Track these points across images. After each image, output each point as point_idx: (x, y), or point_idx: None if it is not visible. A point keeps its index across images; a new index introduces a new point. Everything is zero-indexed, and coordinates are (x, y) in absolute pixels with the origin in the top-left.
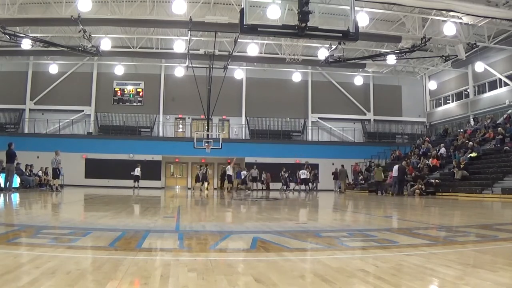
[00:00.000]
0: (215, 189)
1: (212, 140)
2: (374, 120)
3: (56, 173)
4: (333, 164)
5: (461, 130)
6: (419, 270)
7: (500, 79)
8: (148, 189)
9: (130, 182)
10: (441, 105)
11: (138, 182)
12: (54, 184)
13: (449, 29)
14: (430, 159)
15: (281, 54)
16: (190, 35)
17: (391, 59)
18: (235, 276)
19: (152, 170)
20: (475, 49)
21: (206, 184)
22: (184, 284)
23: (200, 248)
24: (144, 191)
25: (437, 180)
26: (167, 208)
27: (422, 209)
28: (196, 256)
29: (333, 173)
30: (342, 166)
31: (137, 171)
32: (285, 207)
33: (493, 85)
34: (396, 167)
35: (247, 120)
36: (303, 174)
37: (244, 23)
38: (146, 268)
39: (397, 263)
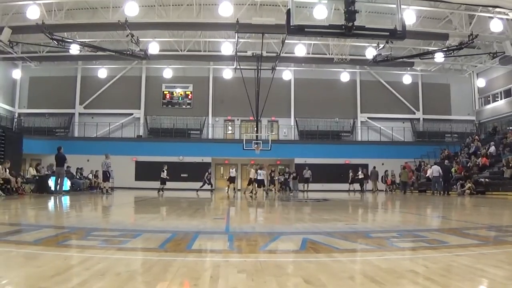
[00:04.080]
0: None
1: (261, 142)
2: (423, 119)
3: (106, 176)
4: (382, 164)
5: (510, 128)
6: (469, 271)
7: None
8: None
9: (180, 184)
10: (490, 103)
11: (164, 185)
12: (104, 187)
13: (496, 25)
14: (480, 158)
15: (329, 54)
16: (238, 37)
17: (439, 57)
18: (284, 277)
19: (200, 172)
20: None
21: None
22: (233, 285)
23: (249, 249)
24: (194, 193)
25: (486, 179)
26: (217, 209)
27: (471, 209)
28: (246, 257)
29: (365, 174)
30: (374, 167)
31: (164, 174)
32: (330, 208)
33: None
34: (436, 167)
35: (296, 121)
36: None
37: (291, 24)
38: (196, 269)
39: (447, 264)
